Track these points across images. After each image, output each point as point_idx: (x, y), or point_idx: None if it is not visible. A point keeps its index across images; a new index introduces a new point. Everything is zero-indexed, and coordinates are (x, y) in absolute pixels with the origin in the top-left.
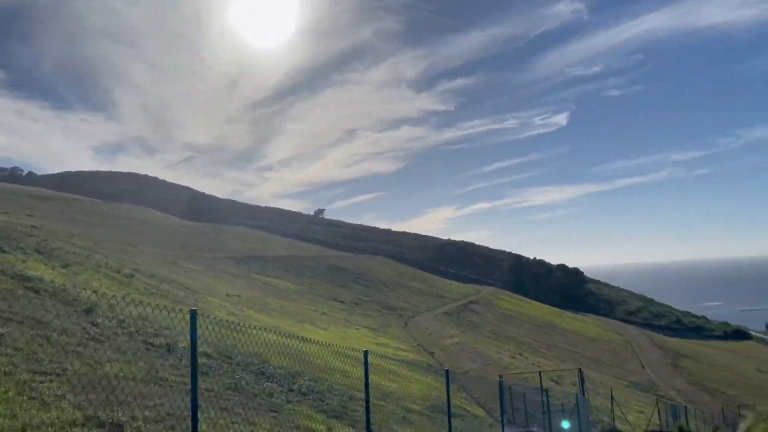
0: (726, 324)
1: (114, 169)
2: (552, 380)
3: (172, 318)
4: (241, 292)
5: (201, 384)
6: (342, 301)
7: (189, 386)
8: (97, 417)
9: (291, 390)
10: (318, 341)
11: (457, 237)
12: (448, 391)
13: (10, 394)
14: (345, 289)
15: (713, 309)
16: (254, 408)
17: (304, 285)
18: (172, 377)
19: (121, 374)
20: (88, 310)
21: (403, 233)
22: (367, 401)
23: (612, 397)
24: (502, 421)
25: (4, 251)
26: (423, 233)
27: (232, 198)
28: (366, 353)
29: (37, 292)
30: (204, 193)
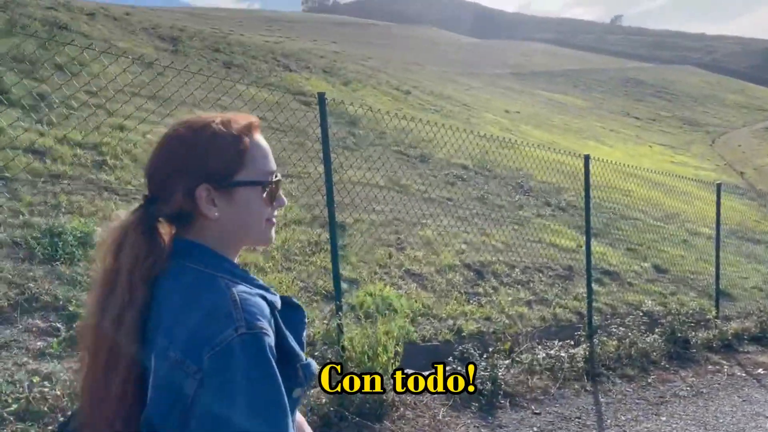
0: None
1: None
2: None
3: (434, 132)
4: (521, 108)
5: (443, 193)
6: (636, 117)
7: (430, 195)
8: (322, 215)
9: (548, 204)
10: (596, 158)
11: None
12: (718, 209)
13: None
14: (641, 103)
15: None
16: (494, 219)
17: (593, 101)
18: (415, 185)
19: (374, 181)
20: (352, 122)
21: (720, 37)
22: (587, 207)
23: None
24: None
25: (291, 70)
26: (746, 36)
27: (520, 11)
28: (587, 157)
29: (308, 105)
30: (490, 8)
